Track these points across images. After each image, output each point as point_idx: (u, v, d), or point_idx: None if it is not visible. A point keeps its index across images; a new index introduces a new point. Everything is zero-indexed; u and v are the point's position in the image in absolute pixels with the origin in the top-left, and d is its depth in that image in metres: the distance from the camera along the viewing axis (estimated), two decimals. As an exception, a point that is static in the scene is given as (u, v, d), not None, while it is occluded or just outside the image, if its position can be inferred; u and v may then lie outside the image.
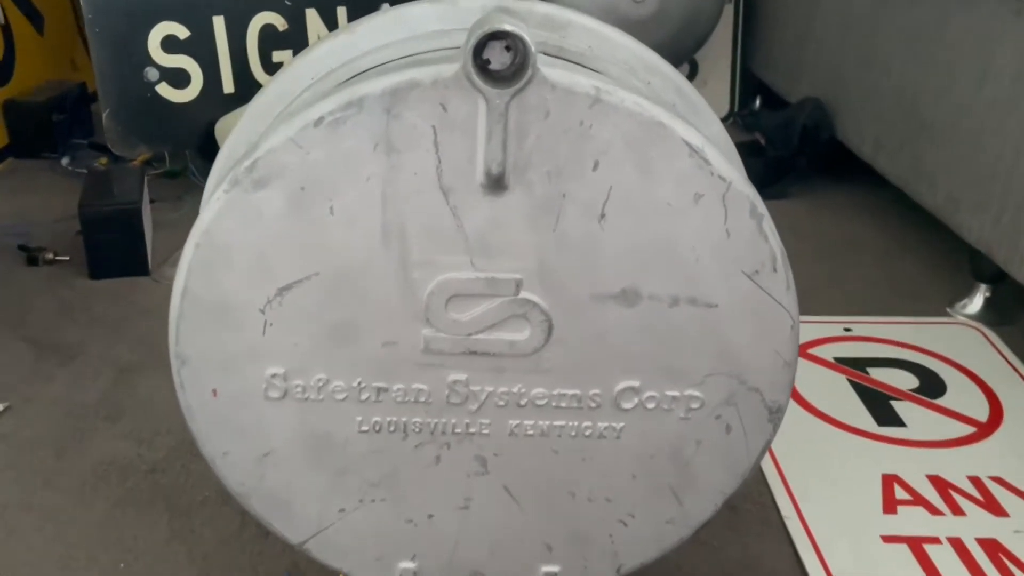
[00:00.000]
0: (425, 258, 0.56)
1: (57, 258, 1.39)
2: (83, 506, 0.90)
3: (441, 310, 0.57)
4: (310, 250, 0.55)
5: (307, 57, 0.62)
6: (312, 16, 1.68)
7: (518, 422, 0.60)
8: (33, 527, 0.88)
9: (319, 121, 0.52)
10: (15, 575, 0.82)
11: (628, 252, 0.55)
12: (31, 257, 1.39)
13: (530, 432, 0.61)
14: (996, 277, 1.25)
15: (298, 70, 0.63)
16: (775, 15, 2.00)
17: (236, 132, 0.64)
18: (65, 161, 1.78)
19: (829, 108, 1.68)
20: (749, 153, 1.90)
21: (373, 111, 0.52)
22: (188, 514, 0.89)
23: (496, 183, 0.54)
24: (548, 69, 0.51)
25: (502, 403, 0.60)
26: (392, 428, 0.60)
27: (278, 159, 0.53)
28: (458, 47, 0.60)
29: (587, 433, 0.61)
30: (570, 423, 0.61)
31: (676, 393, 0.60)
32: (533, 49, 0.50)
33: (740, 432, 0.60)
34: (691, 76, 2.14)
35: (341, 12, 1.71)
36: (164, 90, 1.53)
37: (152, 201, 1.54)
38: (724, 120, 2.16)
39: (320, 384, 0.59)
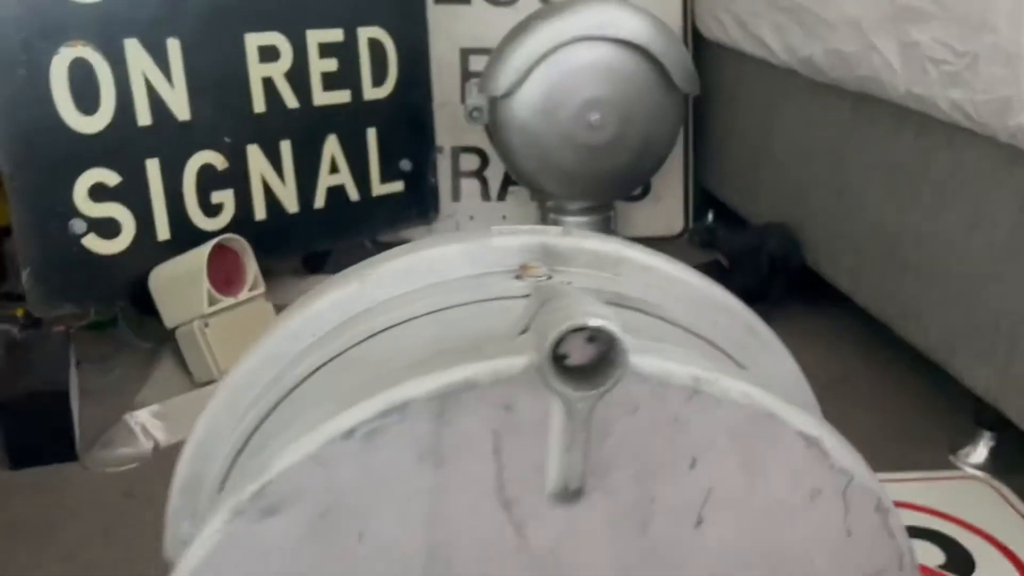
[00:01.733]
0: (479, 582, 0.44)
1: (-31, 445, 1.22)
2: None
3: (497, 639, 0.45)
4: (333, 584, 0.43)
5: (307, 310, 0.51)
6: (254, 152, 1.58)
7: None
8: None
9: (349, 433, 0.41)
10: None
11: (729, 558, 0.45)
12: (-61, 446, 1.21)
13: None
14: (1001, 425, 1.19)
15: (295, 326, 0.51)
16: (728, 133, 1.98)
17: (212, 408, 0.52)
18: (-25, 314, 1.61)
19: (797, 233, 1.64)
20: (715, 278, 1.86)
21: (419, 418, 0.41)
22: None
23: (573, 494, 0.43)
24: (638, 358, 0.41)
25: None
26: None
27: (295, 480, 0.41)
28: (492, 299, 0.50)
29: None
30: None
31: None
32: (625, 342, 0.40)
33: None
34: (644, 193, 2.10)
35: (285, 146, 1.62)
36: (92, 242, 1.40)
37: (77, 364, 1.39)
38: (679, 237, 2.12)
39: None
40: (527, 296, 0.50)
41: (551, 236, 0.53)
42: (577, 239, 0.53)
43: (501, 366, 0.41)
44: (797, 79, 1.57)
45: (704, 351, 0.50)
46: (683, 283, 0.54)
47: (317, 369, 0.48)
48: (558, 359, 0.40)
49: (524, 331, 0.43)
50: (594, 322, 0.39)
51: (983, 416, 1.21)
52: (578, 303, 0.40)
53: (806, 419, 0.44)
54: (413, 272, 0.51)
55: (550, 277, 0.51)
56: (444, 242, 0.52)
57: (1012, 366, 1.10)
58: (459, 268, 0.52)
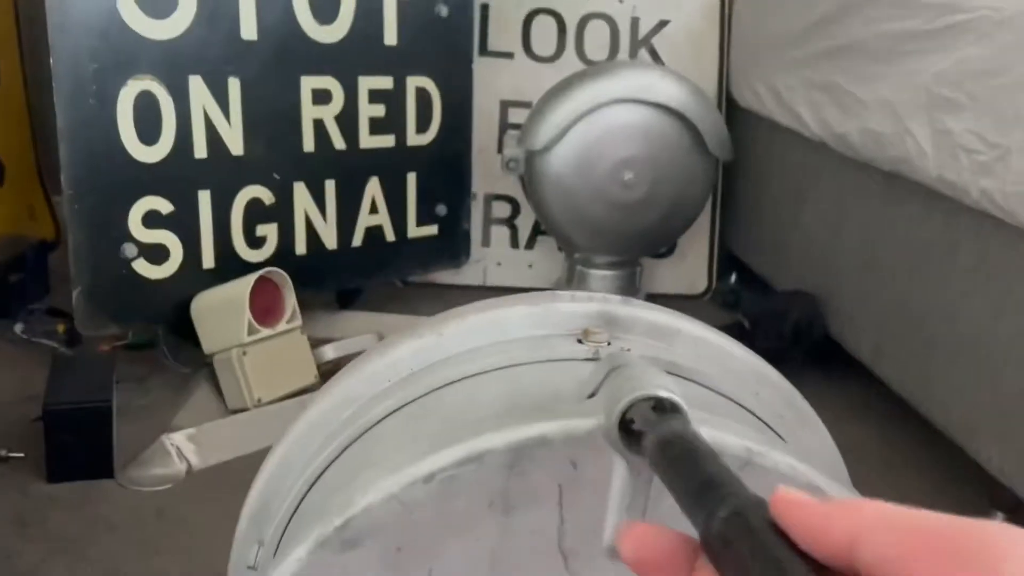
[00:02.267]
0: (534, 624, 0.48)
1: (11, 455, 1.26)
2: None
3: None
4: (400, 616, 0.47)
5: (385, 358, 0.55)
6: (300, 189, 1.63)
7: None
8: None
9: (429, 478, 0.45)
10: None
11: (765, 619, 0.49)
12: (-18, 455, 1.25)
13: None
14: (1016, 506, 1.21)
15: (373, 370, 0.56)
16: (757, 199, 2.03)
17: (286, 441, 0.56)
18: (19, 328, 1.66)
19: (822, 303, 1.68)
20: (735, 338, 1.89)
21: (493, 468, 0.45)
22: None
23: (627, 548, 0.47)
24: (698, 428, 0.45)
25: None
26: None
27: (375, 517, 0.45)
28: (557, 360, 0.54)
29: None
30: None
31: None
32: (688, 413, 0.44)
33: None
34: (669, 251, 2.14)
35: (330, 186, 1.67)
36: (141, 266, 1.45)
37: (116, 382, 1.43)
38: (702, 296, 2.16)
39: None
40: (589, 360, 0.54)
41: (612, 304, 0.57)
42: (636, 309, 0.57)
43: (572, 426, 0.45)
44: (830, 154, 1.61)
45: (749, 423, 0.54)
46: (730, 355, 0.58)
47: (393, 412, 0.52)
48: (624, 424, 0.44)
49: (592, 395, 0.47)
50: (662, 393, 0.43)
51: (997, 497, 1.23)
52: (646, 374, 0.44)
53: (845, 493, 0.47)
54: (484, 329, 0.56)
55: (610, 343, 0.55)
56: (513, 303, 0.57)
57: (1029, 450, 1.12)
58: (527, 328, 0.56)
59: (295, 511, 0.55)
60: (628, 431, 0.44)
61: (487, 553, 0.46)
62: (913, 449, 1.47)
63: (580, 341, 0.55)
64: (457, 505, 0.45)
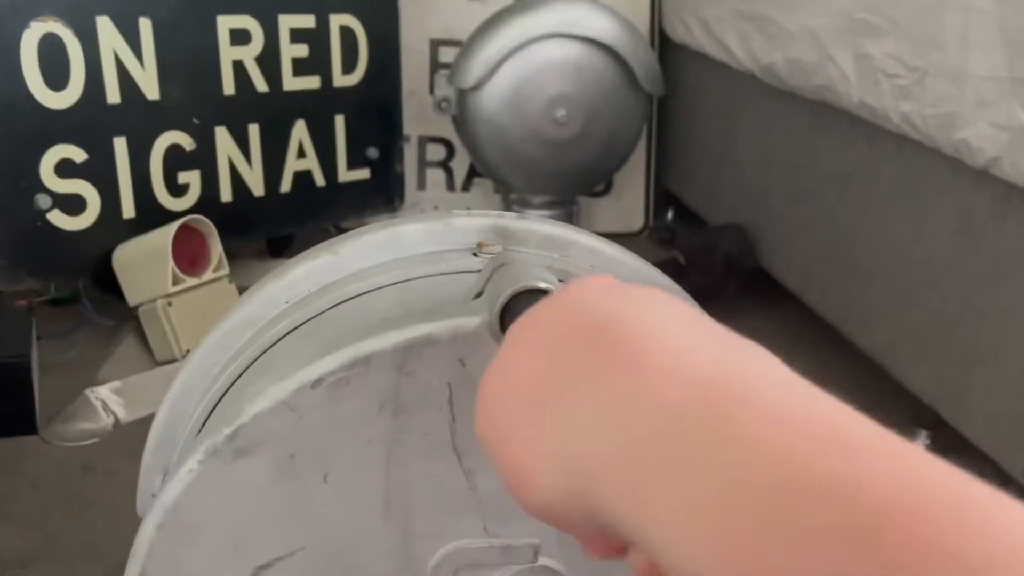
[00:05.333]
0: (431, 527, 0.48)
1: (-72, 414, 1.22)
2: None
3: (448, 582, 0.49)
4: (297, 523, 0.47)
5: (283, 279, 0.54)
6: (222, 134, 1.59)
7: None
8: None
9: (318, 382, 0.44)
10: None
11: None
12: None
13: None
14: (938, 424, 1.25)
15: (270, 292, 0.54)
16: (691, 134, 2.03)
17: (187, 370, 0.55)
18: (-65, 286, 1.60)
19: (752, 235, 1.69)
20: (671, 274, 1.90)
21: (381, 369, 0.44)
22: None
23: (521, 446, 0.46)
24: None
25: None
26: None
27: (266, 425, 0.44)
28: (451, 272, 0.53)
29: None
30: None
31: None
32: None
33: None
34: (606, 190, 2.14)
35: (253, 130, 1.63)
36: (56, 218, 1.40)
37: (38, 338, 1.39)
38: (639, 234, 2.17)
39: (301, 673, 0.49)
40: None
41: (507, 219, 0.56)
42: (530, 222, 0.56)
43: (458, 324, 0.44)
44: (759, 85, 1.62)
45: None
46: (624, 265, 0.58)
47: (290, 332, 0.51)
48: (508, 318, 0.44)
49: (479, 295, 0.46)
50: (542, 284, 0.43)
51: (920, 416, 1.27)
52: (527, 268, 0.44)
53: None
54: (380, 247, 0.55)
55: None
56: (408, 221, 0.56)
57: (947, 368, 1.15)
58: (422, 245, 0.55)
59: (196, 436, 0.54)
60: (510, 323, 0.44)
61: (382, 455, 0.46)
62: (841, 372, 1.50)
63: (475, 255, 0.55)
64: (348, 408, 0.45)
